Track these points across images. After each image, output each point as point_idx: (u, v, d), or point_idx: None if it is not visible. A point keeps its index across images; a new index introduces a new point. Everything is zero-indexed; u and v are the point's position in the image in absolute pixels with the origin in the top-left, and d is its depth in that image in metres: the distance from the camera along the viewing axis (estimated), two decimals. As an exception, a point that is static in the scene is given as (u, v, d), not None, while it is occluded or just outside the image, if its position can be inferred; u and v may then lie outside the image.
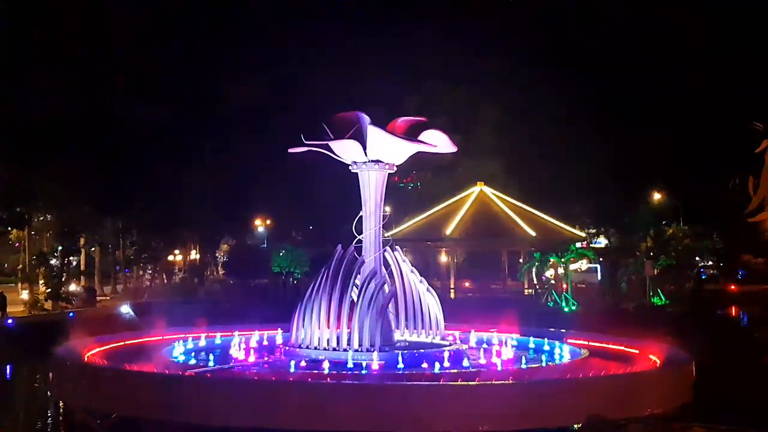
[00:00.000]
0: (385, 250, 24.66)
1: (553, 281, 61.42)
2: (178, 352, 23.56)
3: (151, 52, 62.60)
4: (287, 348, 23.39)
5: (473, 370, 21.03)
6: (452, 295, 62.91)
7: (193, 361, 22.35)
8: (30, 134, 54.09)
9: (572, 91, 67.45)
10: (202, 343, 25.49)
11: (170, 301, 55.11)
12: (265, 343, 25.91)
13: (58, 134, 55.68)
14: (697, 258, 74.59)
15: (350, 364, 21.16)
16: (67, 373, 20.91)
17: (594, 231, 78.80)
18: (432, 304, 25.23)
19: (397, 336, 24.37)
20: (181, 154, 65.31)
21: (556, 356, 23.74)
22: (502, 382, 18.39)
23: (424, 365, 21.37)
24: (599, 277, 68.88)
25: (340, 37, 75.79)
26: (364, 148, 23.42)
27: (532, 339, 25.92)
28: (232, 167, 71.29)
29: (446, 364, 21.56)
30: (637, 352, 23.10)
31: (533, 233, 63.03)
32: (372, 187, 24.16)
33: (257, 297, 60.10)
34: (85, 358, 21.64)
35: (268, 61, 71.91)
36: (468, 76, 75.57)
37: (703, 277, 73.98)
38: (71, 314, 48.43)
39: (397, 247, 26.07)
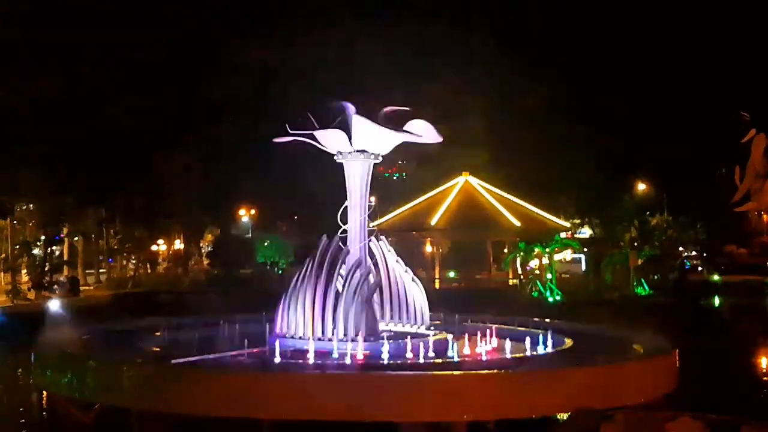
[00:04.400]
0: (370, 240, 24.65)
1: (537, 271, 61.61)
2: (161, 341, 23.45)
3: (135, 40, 62.15)
4: (272, 338, 23.32)
5: (458, 359, 21.07)
6: (437, 285, 62.97)
7: (176, 351, 22.23)
8: (12, 123, 53.66)
9: (556, 81, 67.60)
10: (187, 332, 25.37)
11: (154, 290, 54.92)
12: (250, 332, 25.83)
13: (40, 123, 55.26)
14: (681, 248, 75.05)
15: (335, 354, 21.13)
16: (50, 363, 20.80)
17: (578, 221, 79.08)
18: (417, 294, 25.25)
19: (382, 326, 24.37)
20: (164, 144, 64.98)
21: (540, 346, 23.77)
22: (487, 371, 18.41)
23: (409, 355, 21.37)
24: (583, 268, 69.18)
25: (326, 27, 75.59)
26: (350, 138, 23.38)
27: (516, 328, 25.95)
28: (216, 157, 71.02)
29: (431, 353, 21.58)
30: (621, 341, 23.18)
31: (518, 223, 63.18)
32: (357, 177, 24.11)
33: (242, 286, 59.93)
34: (68, 348, 21.51)
35: (252, 50, 71.64)
36: (453, 67, 75.57)
37: (687, 267, 74.44)
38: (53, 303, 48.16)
39: (382, 237, 26.07)
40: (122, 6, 62.76)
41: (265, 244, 72.99)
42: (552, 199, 74.13)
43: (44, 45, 56.80)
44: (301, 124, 23.73)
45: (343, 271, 23.13)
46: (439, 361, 20.51)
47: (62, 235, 66.66)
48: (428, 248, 69.69)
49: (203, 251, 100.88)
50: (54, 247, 64.99)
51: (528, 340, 24.23)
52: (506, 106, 73.64)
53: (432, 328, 24.99)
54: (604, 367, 19.20)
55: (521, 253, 61.67)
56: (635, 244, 63.65)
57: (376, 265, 24.69)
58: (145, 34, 63.88)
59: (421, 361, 20.40)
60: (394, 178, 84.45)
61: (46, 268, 55.69)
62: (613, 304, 51.39)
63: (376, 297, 23.98)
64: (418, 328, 24.77)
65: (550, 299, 55.21)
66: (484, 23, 74.63)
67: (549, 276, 58.79)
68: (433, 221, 63.99)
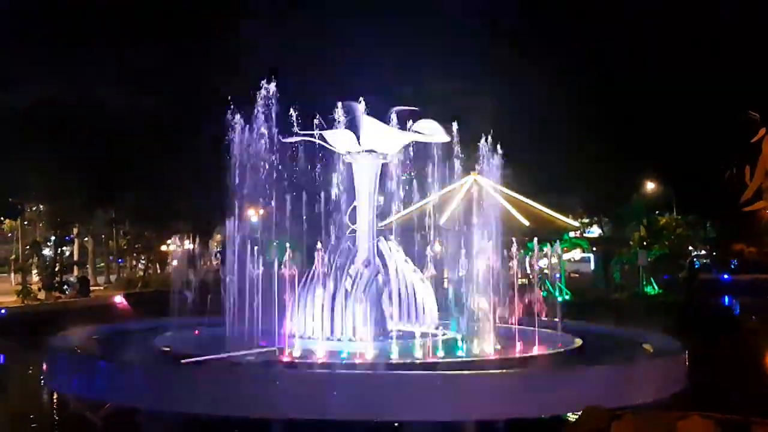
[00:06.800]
0: (378, 240, 24.66)
1: (546, 271, 61.40)
2: (171, 341, 23.50)
3: (142, 40, 62.13)
4: (281, 337, 23.35)
5: (467, 359, 21.07)
6: (445, 285, 62.84)
7: (186, 351, 22.27)
8: (22, 124, 53.75)
9: (565, 80, 67.30)
10: (196, 332, 25.45)
11: (163, 290, 54.89)
12: (259, 332, 25.86)
13: (49, 124, 55.35)
14: (690, 247, 74.76)
15: (344, 354, 21.16)
16: (61, 363, 20.88)
17: (587, 221, 78.81)
18: (426, 293, 25.24)
19: (391, 325, 24.37)
20: (173, 144, 64.87)
21: (550, 345, 23.75)
22: (497, 371, 18.41)
23: (418, 354, 21.38)
24: (592, 267, 68.99)
25: (335, 24, 75.50)
26: (358, 138, 23.43)
27: (525, 328, 25.95)
28: (224, 157, 70.78)
29: (440, 353, 21.58)
30: (630, 341, 23.15)
31: (527, 223, 63.01)
32: (366, 176, 24.16)
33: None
34: (79, 348, 21.60)
35: (258, 48, 71.57)
36: (460, 66, 75.31)
37: (697, 266, 74.17)
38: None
39: (390, 236, 26.09)
40: (126, 5, 62.75)
41: (274, 244, 72.72)
42: (561, 198, 73.80)
43: (49, 47, 56.89)
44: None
45: (351, 271, 23.17)
46: (449, 360, 20.51)
47: (72, 236, 66.80)
48: (437, 247, 69.51)
49: (213, 251, 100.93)
50: (64, 248, 65.12)
51: (539, 339, 24.28)
52: (515, 105, 73.30)
53: (440, 327, 25.00)
54: (614, 366, 19.20)
55: (530, 253, 61.44)
56: (644, 243, 63.42)
57: (384, 264, 24.70)
58: (153, 32, 63.85)
59: (431, 360, 20.42)
60: (403, 177, 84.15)
61: (57, 269, 55.79)
62: (622, 303, 51.26)
63: (384, 296, 23.99)
64: (427, 327, 24.76)
65: (559, 298, 55.08)
66: (491, 20, 74.26)
67: (558, 275, 58.62)
68: (442, 221, 63.84)
